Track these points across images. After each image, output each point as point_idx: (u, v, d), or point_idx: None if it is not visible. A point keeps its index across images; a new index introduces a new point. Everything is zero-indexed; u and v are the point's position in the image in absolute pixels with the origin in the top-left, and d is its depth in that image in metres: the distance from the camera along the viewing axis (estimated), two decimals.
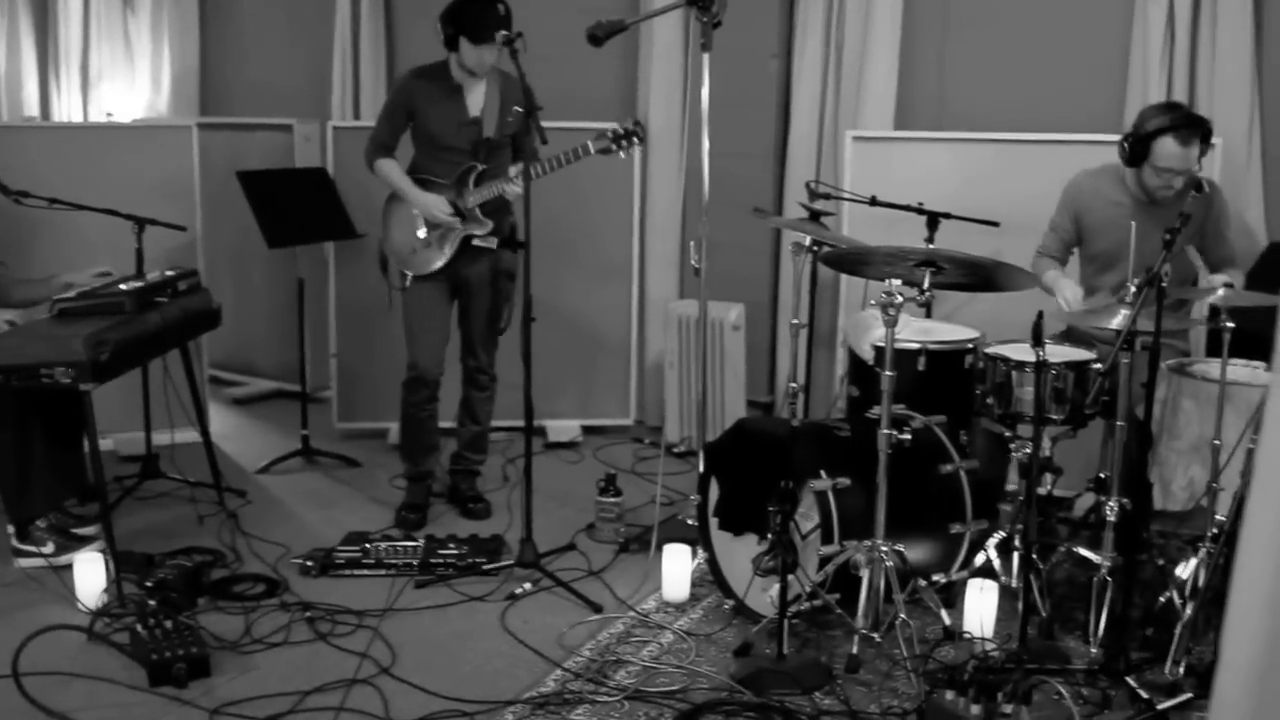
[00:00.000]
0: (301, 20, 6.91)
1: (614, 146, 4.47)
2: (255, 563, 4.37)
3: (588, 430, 6.12)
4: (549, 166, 4.42)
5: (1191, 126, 4.10)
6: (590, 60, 5.34)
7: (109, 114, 7.62)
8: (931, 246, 3.74)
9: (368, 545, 4.37)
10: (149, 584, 3.93)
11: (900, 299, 3.55)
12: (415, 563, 4.29)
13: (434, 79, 4.69)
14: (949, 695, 3.09)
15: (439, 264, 4.71)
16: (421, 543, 4.41)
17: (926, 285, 3.65)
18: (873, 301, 3.63)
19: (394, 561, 4.30)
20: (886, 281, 3.59)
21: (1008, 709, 3.00)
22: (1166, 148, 4.11)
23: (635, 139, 4.47)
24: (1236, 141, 5.19)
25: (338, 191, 5.62)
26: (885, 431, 3.65)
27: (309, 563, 4.29)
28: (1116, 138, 4.56)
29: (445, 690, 3.46)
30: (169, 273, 4.69)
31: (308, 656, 3.67)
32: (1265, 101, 5.24)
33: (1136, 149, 4.18)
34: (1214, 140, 4.28)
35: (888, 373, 3.65)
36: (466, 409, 5.03)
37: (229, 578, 4.19)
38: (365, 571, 4.28)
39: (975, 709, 3.00)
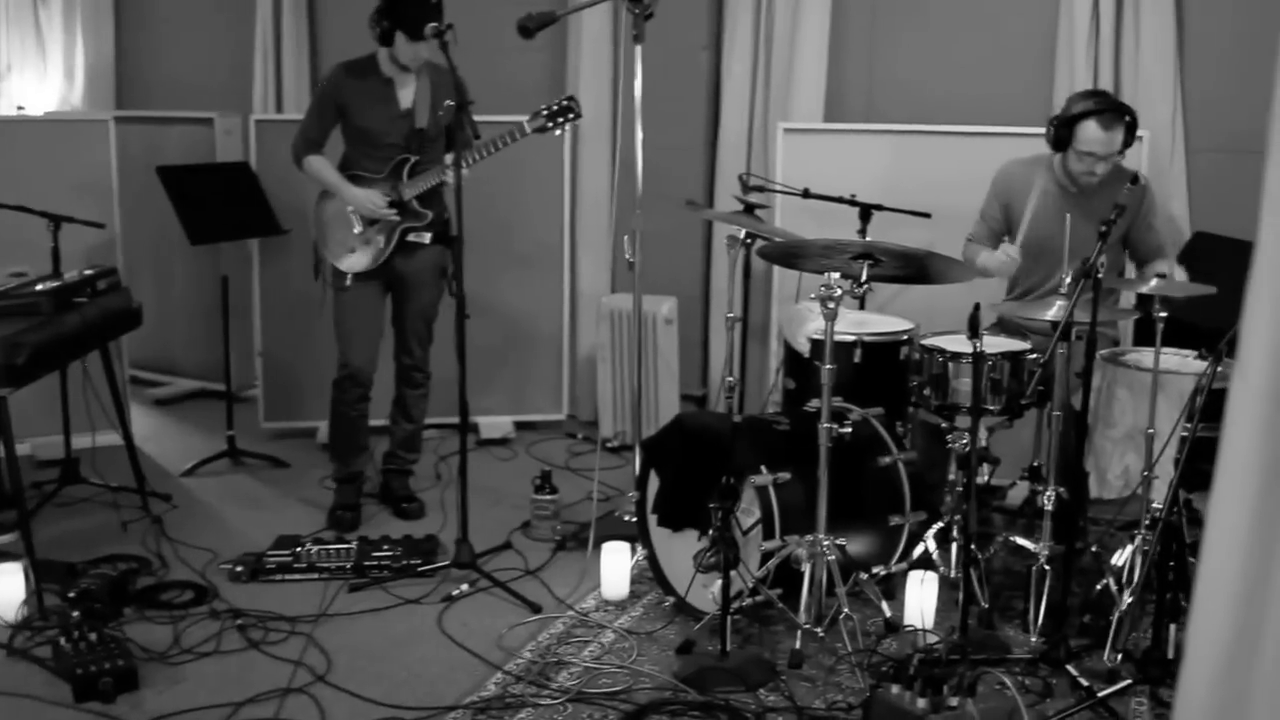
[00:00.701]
0: (221, 11, 6.74)
1: (549, 124, 4.42)
2: (182, 569, 4.24)
3: (520, 426, 6.06)
4: (487, 151, 4.37)
5: (1114, 111, 4.14)
6: (518, 52, 5.28)
7: (20, 107, 7.40)
8: (869, 239, 3.73)
9: (299, 549, 4.27)
10: (71, 595, 3.81)
11: (840, 292, 3.53)
12: (349, 566, 4.21)
13: (363, 73, 4.59)
14: (894, 689, 3.07)
15: (377, 260, 4.63)
16: (354, 545, 4.32)
17: (864, 278, 3.63)
18: (812, 295, 3.61)
19: (327, 565, 4.21)
20: (825, 275, 3.57)
21: (953, 702, 2.99)
22: (1088, 131, 4.14)
23: (571, 114, 4.42)
24: (1160, 133, 5.26)
25: (261, 186, 5.49)
26: (826, 425, 3.63)
27: (238, 568, 4.18)
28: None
29: (383, 697, 3.39)
30: (87, 272, 4.54)
31: (240, 666, 3.57)
32: (1187, 94, 5.32)
33: (1061, 132, 4.22)
34: (1140, 133, 4.32)
35: (827, 366, 3.63)
36: (400, 407, 4.95)
37: (155, 586, 4.07)
38: (297, 576, 4.18)
39: (921, 703, 2.99)
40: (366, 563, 4.22)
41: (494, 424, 5.94)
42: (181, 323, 6.45)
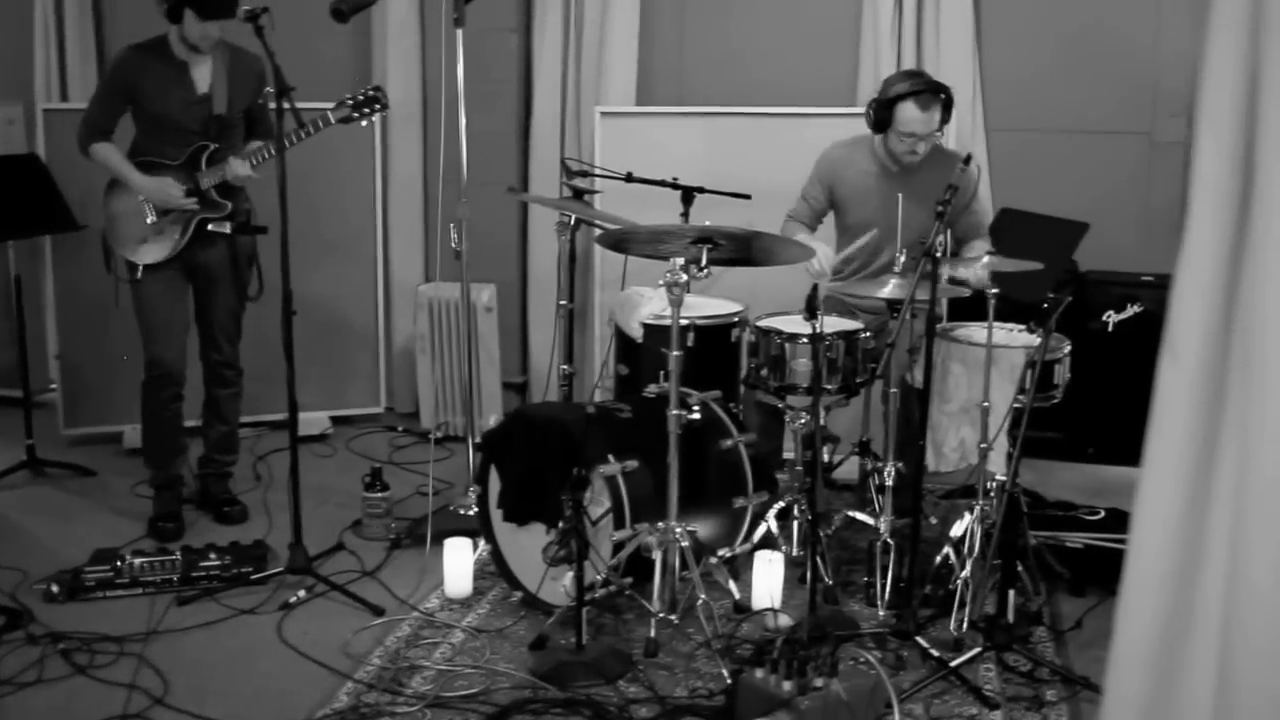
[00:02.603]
0: None
1: (355, 114, 4.28)
2: None
3: (337, 421, 5.88)
4: (289, 141, 4.19)
5: (931, 92, 4.24)
6: (323, 37, 5.09)
7: None
8: (708, 223, 3.73)
9: (119, 563, 4.01)
10: None
11: (685, 278, 3.52)
12: (175, 578, 4.00)
13: (155, 55, 4.34)
14: (759, 674, 3.09)
15: (172, 251, 4.41)
16: (179, 555, 4.09)
17: (705, 262, 3.63)
18: (660, 281, 3.58)
19: (151, 578, 3.99)
20: (670, 260, 3.56)
21: (819, 682, 3.03)
22: (907, 112, 4.23)
23: (378, 105, 4.28)
24: (962, 112, 5.40)
25: (53, 179, 5.14)
26: (675, 412, 3.62)
27: (54, 587, 3.92)
28: (853, 110, 4.63)
29: (229, 716, 3.23)
30: None
31: (66, 695, 3.34)
32: (985, 75, 5.51)
33: (880, 114, 4.29)
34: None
35: (675, 353, 3.62)
36: (212, 408, 4.73)
37: None
38: (120, 592, 3.95)
39: (787, 685, 3.01)
40: (194, 573, 4.02)
41: (310, 420, 5.72)
42: None
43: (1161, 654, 1.56)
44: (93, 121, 4.41)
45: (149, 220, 4.39)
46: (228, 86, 4.39)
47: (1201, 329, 1.49)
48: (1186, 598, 1.53)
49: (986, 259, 3.58)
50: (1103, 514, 4.48)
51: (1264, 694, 1.48)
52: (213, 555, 4.11)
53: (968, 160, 3.72)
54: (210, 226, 4.41)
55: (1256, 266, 1.44)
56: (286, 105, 3.83)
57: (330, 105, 4.30)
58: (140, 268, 4.41)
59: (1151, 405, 1.59)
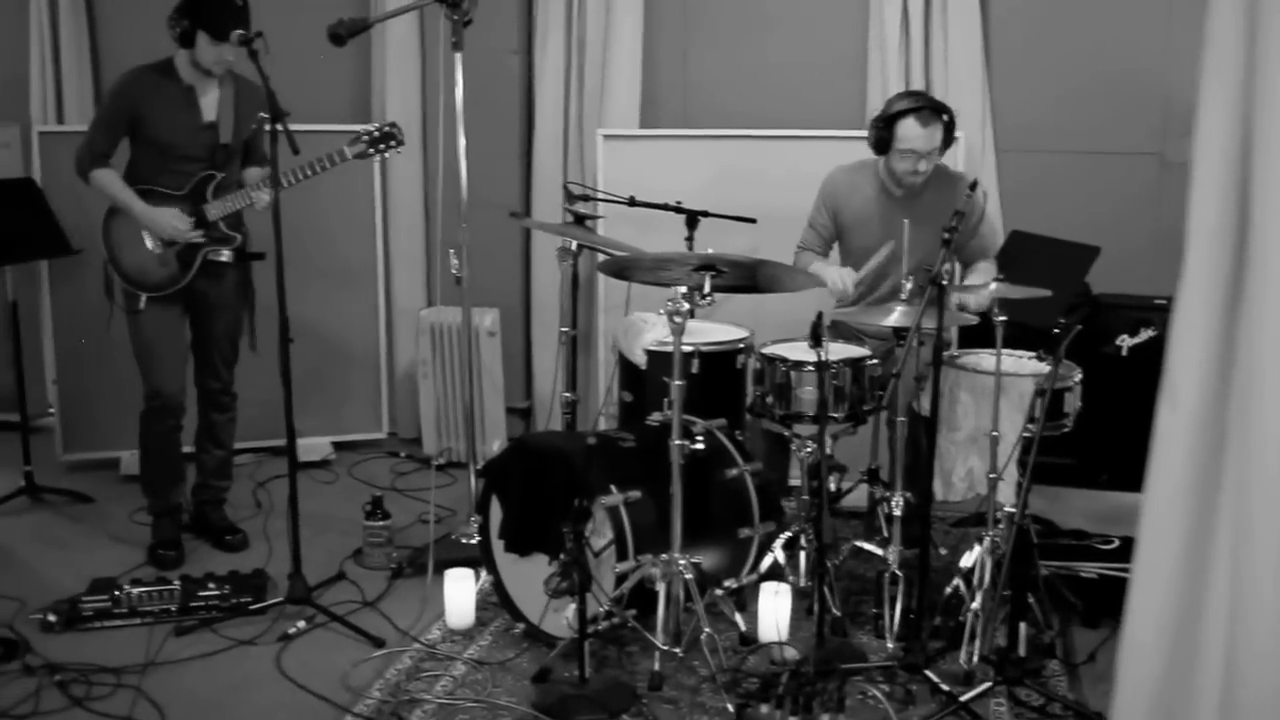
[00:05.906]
0: None
1: (371, 150, 4.25)
2: None
3: (339, 446, 5.82)
4: (303, 174, 4.17)
5: (932, 110, 4.19)
6: (322, 59, 5.04)
7: None
8: (711, 250, 3.68)
9: (117, 592, 3.96)
10: None
11: (686, 307, 3.47)
12: (173, 608, 3.95)
13: (162, 80, 4.28)
14: (764, 709, 3.03)
15: (176, 284, 4.34)
16: (178, 585, 4.03)
17: (708, 289, 3.57)
18: (661, 310, 3.53)
19: (149, 608, 3.94)
20: (673, 288, 3.50)
21: (825, 718, 2.97)
22: (907, 129, 4.18)
23: (393, 141, 4.26)
24: (972, 135, 5.37)
25: (49, 203, 5.10)
26: (678, 442, 3.56)
27: (51, 617, 3.87)
28: (861, 133, 4.59)
29: None
30: None
31: None
32: (995, 95, 5.46)
33: (881, 133, 4.25)
34: (957, 134, 4.39)
35: (677, 382, 3.57)
36: (209, 434, 4.68)
37: None
38: (118, 622, 3.90)
39: None
40: (193, 603, 3.96)
41: (312, 446, 5.68)
42: None
43: (1165, 692, 1.51)
44: (94, 146, 4.32)
45: (153, 250, 4.33)
46: (234, 115, 4.34)
47: (1199, 373, 1.45)
48: (1188, 646, 1.48)
49: (993, 285, 3.52)
50: (1117, 543, 4.41)
51: None
52: (211, 585, 4.05)
53: (974, 186, 3.67)
54: (208, 255, 4.37)
55: (1253, 311, 1.39)
56: (281, 129, 3.78)
57: (346, 139, 4.26)
58: (143, 298, 4.33)
59: (1150, 448, 1.54)
